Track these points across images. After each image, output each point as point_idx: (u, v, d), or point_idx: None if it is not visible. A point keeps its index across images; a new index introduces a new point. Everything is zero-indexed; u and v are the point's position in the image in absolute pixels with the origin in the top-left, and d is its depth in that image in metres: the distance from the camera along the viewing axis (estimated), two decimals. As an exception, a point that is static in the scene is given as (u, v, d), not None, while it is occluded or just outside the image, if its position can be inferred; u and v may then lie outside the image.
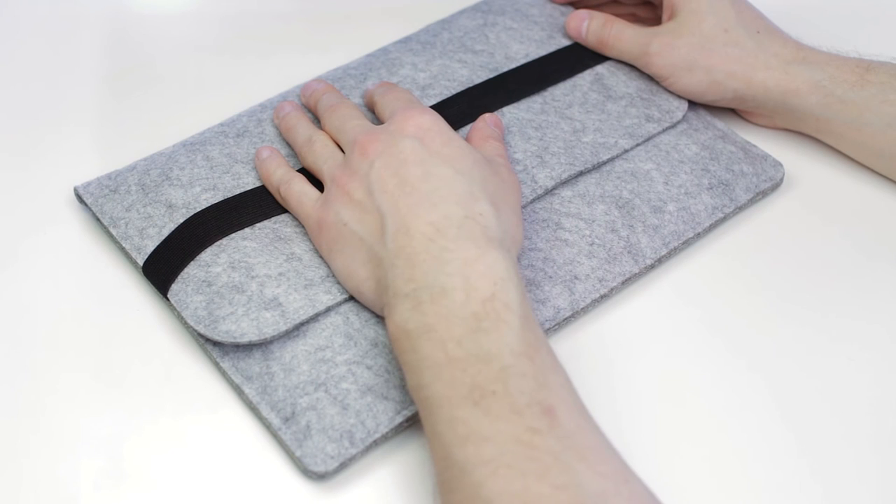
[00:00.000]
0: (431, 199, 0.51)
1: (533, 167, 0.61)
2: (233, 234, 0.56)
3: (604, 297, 0.58)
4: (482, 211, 0.51)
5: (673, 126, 0.66)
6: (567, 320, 0.56)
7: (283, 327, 0.53)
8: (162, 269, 0.55)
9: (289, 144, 0.61)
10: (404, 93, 0.61)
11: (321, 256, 0.56)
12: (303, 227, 0.57)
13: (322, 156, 0.57)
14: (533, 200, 0.60)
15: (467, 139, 0.59)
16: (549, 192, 0.60)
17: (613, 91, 0.66)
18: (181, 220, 0.57)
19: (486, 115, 0.61)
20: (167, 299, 0.55)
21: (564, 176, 0.61)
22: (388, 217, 0.51)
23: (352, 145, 0.55)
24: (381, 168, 0.53)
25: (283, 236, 0.57)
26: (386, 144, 0.54)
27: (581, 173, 0.62)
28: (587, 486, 0.42)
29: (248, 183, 0.59)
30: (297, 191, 0.57)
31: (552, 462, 0.43)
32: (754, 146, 0.65)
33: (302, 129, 0.60)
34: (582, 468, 0.43)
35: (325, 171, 0.56)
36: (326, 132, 0.59)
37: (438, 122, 0.55)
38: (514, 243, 0.53)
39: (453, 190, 0.51)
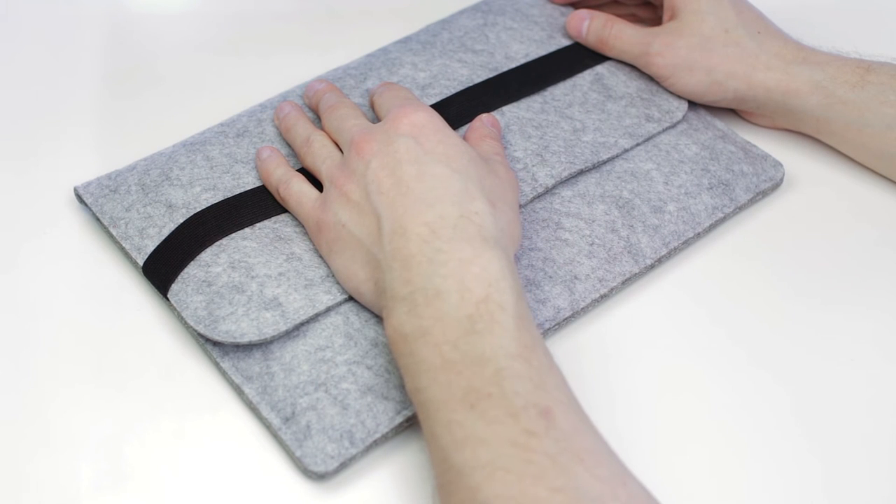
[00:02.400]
0: (427, 199, 0.51)
1: (533, 166, 0.61)
2: (233, 234, 0.56)
3: (604, 297, 0.58)
4: (478, 210, 0.51)
5: (673, 126, 0.66)
6: (567, 320, 0.56)
7: (283, 327, 0.53)
8: (162, 269, 0.55)
9: (289, 145, 0.61)
10: (402, 91, 0.61)
11: (321, 256, 0.56)
12: (303, 226, 0.57)
13: (320, 156, 0.57)
14: (533, 199, 0.60)
15: (464, 139, 0.59)
16: (549, 190, 0.60)
17: (613, 91, 0.66)
18: (181, 220, 0.57)
19: (483, 115, 0.61)
20: (167, 299, 0.55)
21: (565, 175, 0.61)
22: (385, 219, 0.51)
23: (349, 145, 0.55)
24: (377, 168, 0.53)
25: (283, 236, 0.57)
26: (381, 144, 0.53)
27: (581, 172, 0.62)
28: (584, 489, 0.42)
29: (248, 183, 0.59)
30: (296, 191, 0.57)
31: (549, 465, 0.42)
32: (754, 146, 0.65)
33: (301, 129, 0.60)
34: (579, 471, 0.43)
35: (323, 171, 0.56)
36: (326, 132, 0.59)
37: (434, 120, 0.55)
38: (511, 242, 0.52)
39: (448, 189, 0.51)
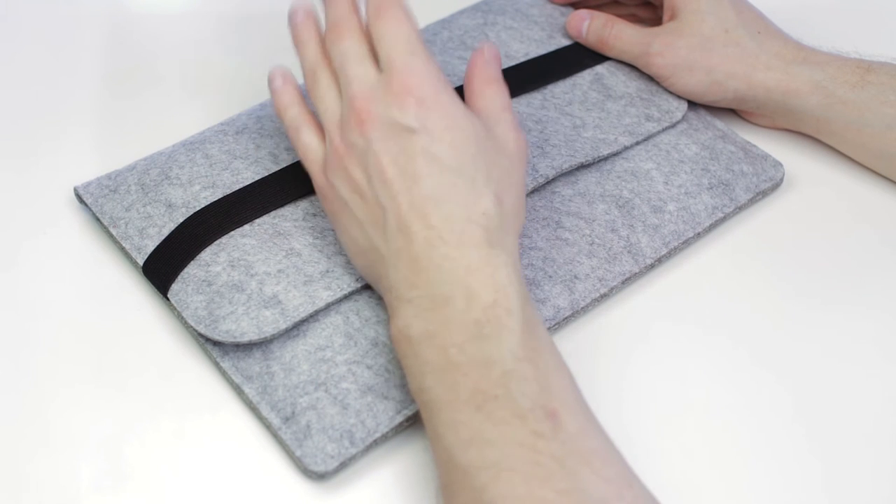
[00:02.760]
0: (433, 196, 0.49)
1: (534, 157, 0.61)
2: (232, 232, 0.56)
3: (604, 297, 0.58)
4: (485, 210, 0.49)
5: (673, 126, 0.66)
6: (567, 320, 0.56)
7: (283, 325, 0.53)
8: (162, 268, 0.55)
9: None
10: (403, 26, 0.52)
11: (320, 249, 0.55)
12: (302, 220, 0.57)
13: (323, 102, 0.54)
14: (533, 191, 0.60)
15: (466, 85, 0.54)
16: (549, 181, 0.60)
17: (613, 91, 0.67)
18: (181, 220, 0.57)
19: (484, 47, 0.54)
20: (167, 299, 0.55)
21: (566, 167, 0.61)
22: (389, 212, 0.49)
23: (349, 108, 0.51)
24: (378, 152, 0.50)
25: (282, 231, 0.56)
26: (382, 122, 0.50)
27: (582, 167, 0.62)
28: (590, 491, 0.42)
29: (247, 178, 0.59)
30: (304, 142, 0.54)
31: (556, 467, 0.42)
32: (754, 146, 0.65)
33: (310, 53, 0.55)
34: (585, 472, 0.43)
35: (324, 123, 0.53)
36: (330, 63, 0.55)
37: (440, 95, 0.50)
38: (514, 230, 0.51)
39: (455, 185, 0.49)
